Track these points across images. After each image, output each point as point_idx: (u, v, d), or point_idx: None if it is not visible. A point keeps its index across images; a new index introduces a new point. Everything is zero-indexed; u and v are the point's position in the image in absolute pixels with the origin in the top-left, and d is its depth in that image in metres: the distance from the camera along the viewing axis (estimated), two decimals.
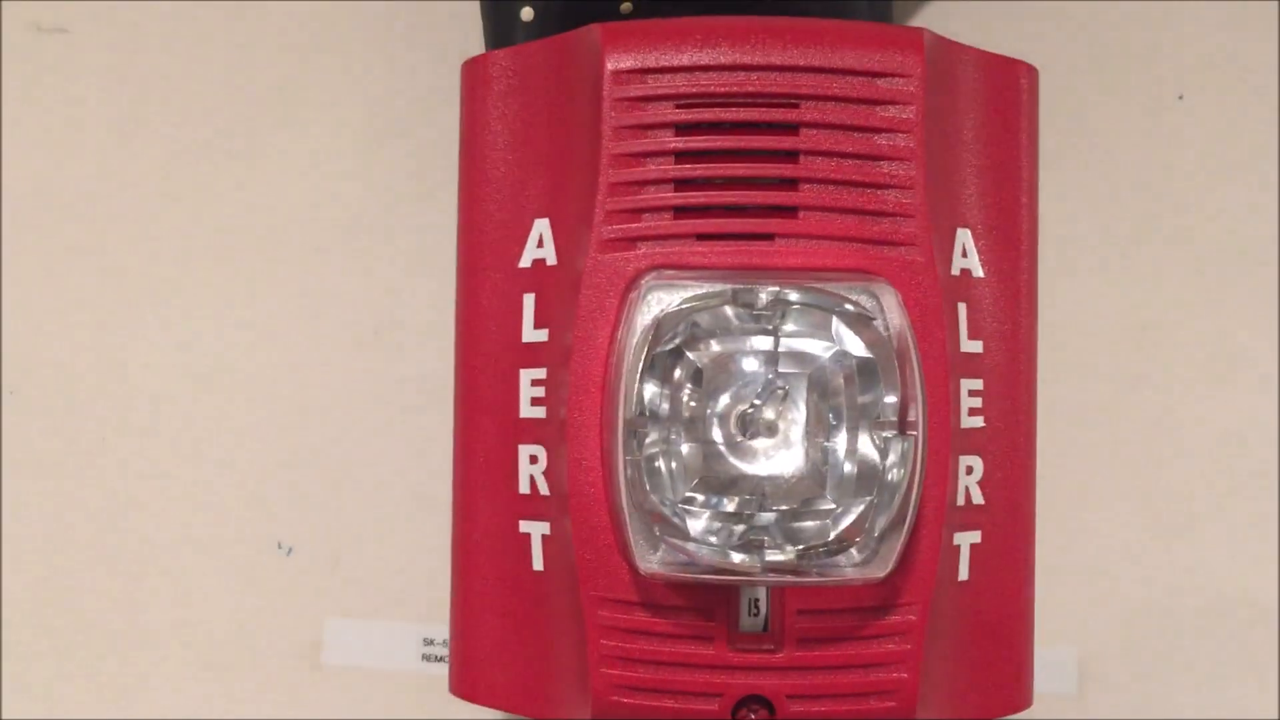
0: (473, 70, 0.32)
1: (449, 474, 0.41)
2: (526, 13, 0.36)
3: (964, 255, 0.31)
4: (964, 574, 0.31)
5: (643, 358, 0.27)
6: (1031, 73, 0.32)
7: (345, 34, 0.42)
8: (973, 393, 0.31)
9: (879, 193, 0.29)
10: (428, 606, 0.41)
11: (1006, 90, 0.32)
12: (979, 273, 0.31)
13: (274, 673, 0.41)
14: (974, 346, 0.31)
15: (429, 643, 0.41)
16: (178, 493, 0.42)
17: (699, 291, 0.28)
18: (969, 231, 0.31)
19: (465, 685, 0.32)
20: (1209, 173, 0.41)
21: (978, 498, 0.31)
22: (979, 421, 0.31)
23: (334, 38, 0.42)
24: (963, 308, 0.30)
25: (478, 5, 0.38)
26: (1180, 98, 0.42)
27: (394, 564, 0.41)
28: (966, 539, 0.31)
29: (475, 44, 0.40)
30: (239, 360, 0.42)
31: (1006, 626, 0.32)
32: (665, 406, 0.28)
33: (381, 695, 0.41)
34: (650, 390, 0.28)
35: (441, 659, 0.41)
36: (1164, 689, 0.41)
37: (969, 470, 0.31)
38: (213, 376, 0.42)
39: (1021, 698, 0.32)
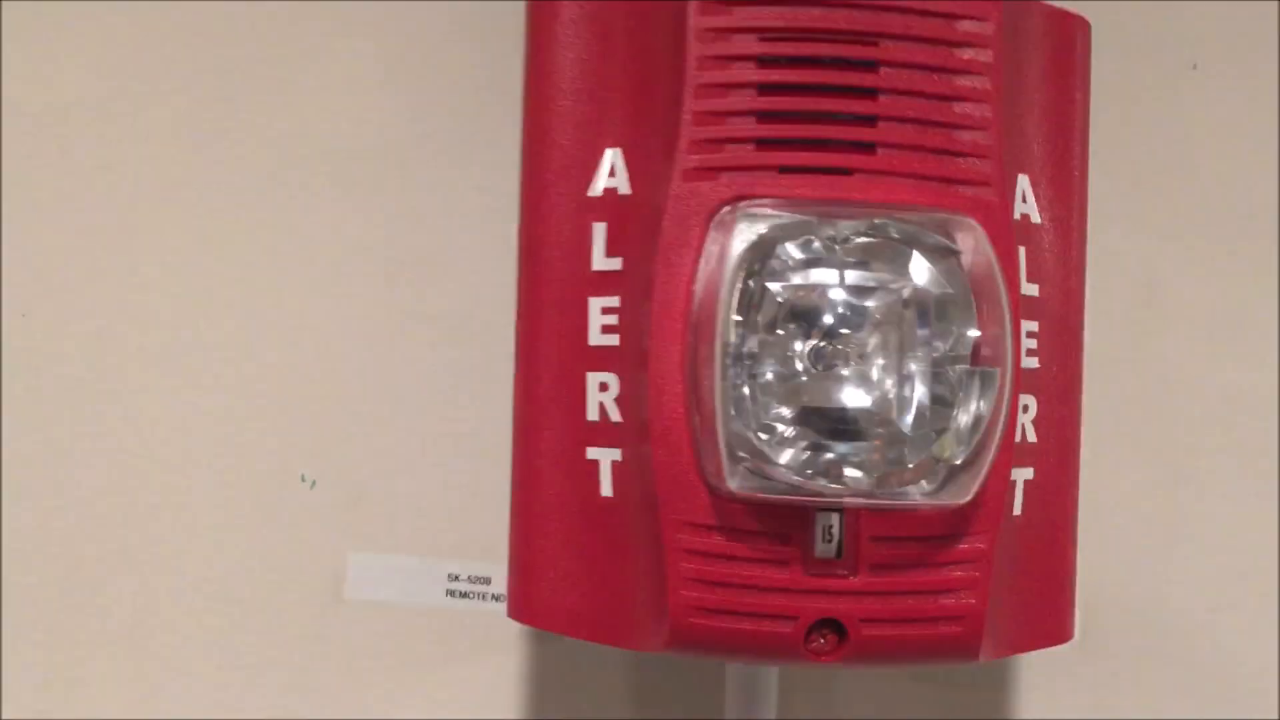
0: (540, 5, 0.32)
1: (475, 410, 0.41)
2: None
3: (1024, 200, 0.32)
4: (1018, 509, 0.32)
5: (735, 290, 0.28)
6: (1086, 26, 0.33)
7: None
8: (1029, 334, 0.32)
9: (956, 132, 0.30)
10: (452, 542, 0.41)
11: (1065, 42, 0.33)
12: (1036, 218, 0.32)
13: (296, 606, 0.41)
14: (1031, 290, 0.32)
15: (454, 578, 0.41)
16: (201, 424, 0.41)
17: (782, 222, 0.28)
18: (1028, 178, 0.32)
19: (526, 610, 0.32)
20: (1222, 140, 0.43)
21: (1032, 436, 0.32)
22: (1034, 362, 0.32)
23: None
24: (1022, 251, 0.31)
25: None
26: (1194, 67, 0.43)
27: (418, 499, 0.41)
28: (1021, 475, 0.32)
29: None
30: (266, 295, 0.41)
31: (1054, 562, 0.33)
32: (750, 337, 0.28)
33: (404, 630, 0.41)
34: (736, 319, 0.28)
35: (466, 595, 0.41)
36: (1161, 639, 0.42)
37: (1025, 409, 0.32)
38: (239, 310, 0.41)
39: (1065, 630, 0.34)
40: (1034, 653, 0.35)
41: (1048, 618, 0.33)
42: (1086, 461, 0.41)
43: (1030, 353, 0.32)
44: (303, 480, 0.41)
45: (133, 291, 0.41)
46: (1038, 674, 0.43)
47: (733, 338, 0.28)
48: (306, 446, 0.41)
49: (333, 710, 0.41)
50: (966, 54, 0.30)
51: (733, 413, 0.28)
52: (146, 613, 0.41)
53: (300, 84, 0.41)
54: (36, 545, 0.41)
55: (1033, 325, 0.32)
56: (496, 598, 0.41)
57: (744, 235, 0.28)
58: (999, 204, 0.30)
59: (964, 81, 0.30)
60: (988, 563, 0.30)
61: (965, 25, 0.30)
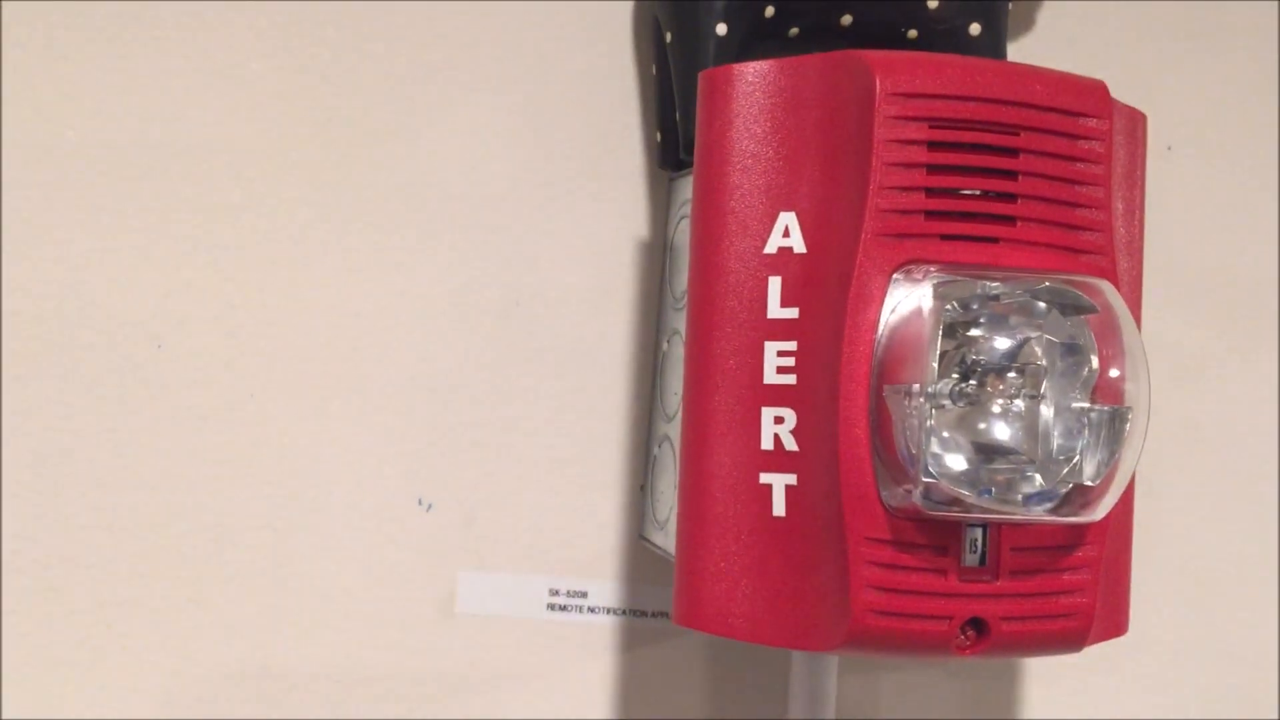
0: (715, 79, 0.36)
1: (575, 439, 0.45)
2: (721, 29, 0.40)
3: None
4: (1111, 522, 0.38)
5: (937, 340, 0.33)
6: (1145, 120, 0.40)
7: (503, 13, 0.45)
8: None
9: (1078, 210, 0.36)
10: (553, 559, 0.45)
11: (1135, 133, 0.39)
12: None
13: (411, 621, 0.44)
14: None
15: (554, 593, 0.45)
16: (327, 451, 0.43)
17: (961, 281, 0.34)
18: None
19: (695, 616, 0.36)
20: (1196, 219, 0.51)
21: None
22: None
23: (491, 16, 0.45)
24: None
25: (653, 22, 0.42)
26: (1169, 148, 0.51)
27: (524, 520, 0.45)
28: None
29: (623, 26, 0.44)
30: (390, 329, 0.44)
31: (1122, 564, 0.39)
32: (935, 378, 0.33)
33: (510, 641, 0.44)
34: (936, 367, 0.33)
35: (565, 608, 0.45)
36: (1131, 658, 0.49)
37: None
38: (364, 343, 0.44)
39: (1124, 623, 0.40)
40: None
41: (1115, 613, 0.39)
42: None
43: None
44: (420, 504, 0.44)
45: (266, 328, 0.43)
46: (1042, 665, 0.49)
47: (932, 381, 0.33)
48: (424, 473, 0.44)
49: (445, 715, 0.44)
50: (1087, 145, 0.36)
51: (917, 442, 0.33)
52: (274, 626, 0.43)
53: (428, 137, 0.44)
54: (147, 562, 0.42)
55: None
56: (592, 610, 0.45)
57: (928, 293, 0.33)
58: (1109, 269, 0.36)
59: (1084, 168, 0.36)
60: (1098, 567, 0.36)
61: (1085, 121, 0.36)
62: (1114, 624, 0.40)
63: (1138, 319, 0.40)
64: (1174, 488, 0.50)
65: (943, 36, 0.42)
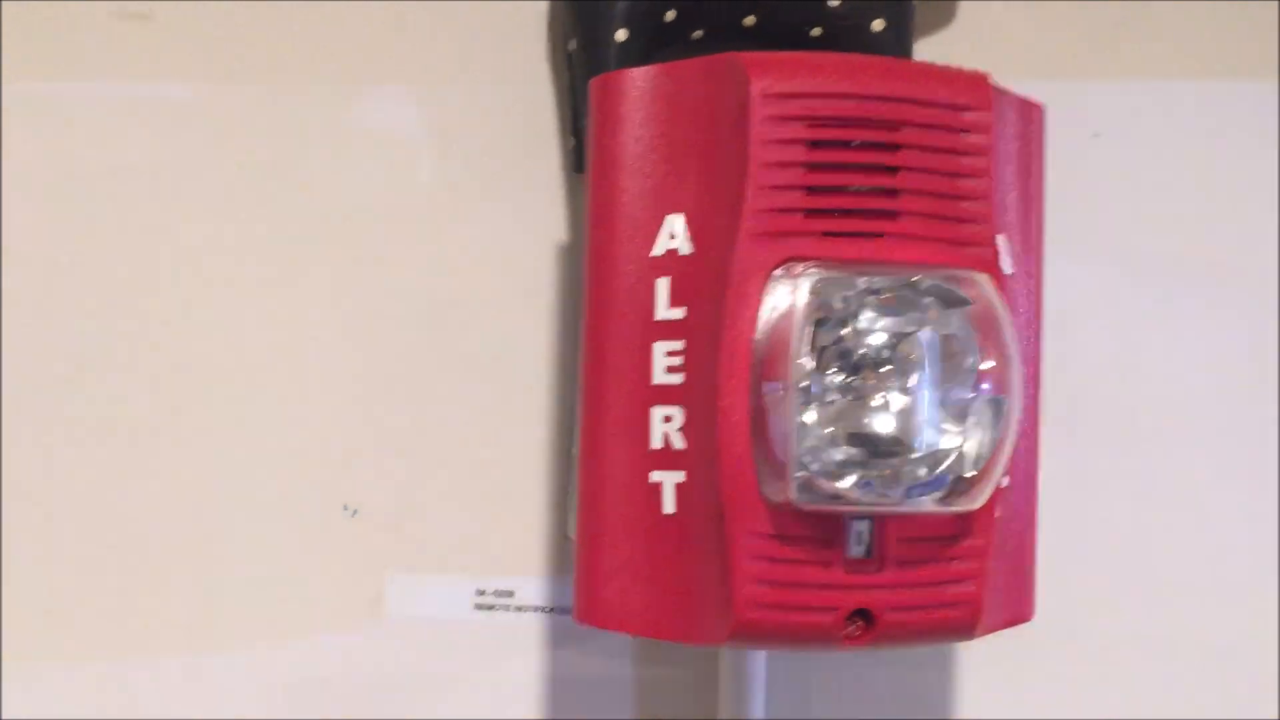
0: (606, 85, 0.37)
1: (499, 443, 0.46)
2: (621, 34, 0.41)
3: (1002, 256, 0.38)
4: (998, 511, 0.38)
5: (804, 336, 0.33)
6: (1042, 111, 0.40)
7: (421, 25, 0.46)
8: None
9: (960, 203, 0.36)
10: (480, 560, 0.46)
11: (1030, 123, 0.39)
12: (1009, 270, 0.39)
13: (340, 624, 0.45)
14: None
15: (481, 593, 0.46)
16: (253, 460, 0.45)
17: (836, 277, 0.34)
18: (1004, 237, 0.39)
19: (593, 614, 0.37)
20: (1122, 204, 0.51)
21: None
22: None
23: (409, 28, 0.46)
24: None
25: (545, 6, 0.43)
26: (1096, 135, 0.51)
27: (450, 523, 0.46)
28: (1001, 482, 0.38)
29: (538, 33, 0.45)
30: (311, 338, 0.45)
31: (1022, 554, 0.40)
32: (807, 372, 0.34)
33: (439, 642, 0.45)
34: (805, 363, 0.34)
35: (492, 607, 0.46)
36: (1074, 623, 0.49)
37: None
38: (286, 352, 0.45)
39: (1029, 610, 0.40)
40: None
41: (1017, 601, 0.39)
42: None
43: None
44: (345, 509, 0.45)
45: (189, 339, 0.44)
46: (975, 654, 0.49)
47: (802, 376, 0.33)
48: (350, 479, 0.45)
49: (376, 717, 0.45)
50: (969, 138, 0.36)
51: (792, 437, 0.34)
52: (202, 631, 0.44)
53: (344, 146, 0.45)
54: (72, 573, 0.43)
55: None
56: (519, 608, 0.46)
57: (805, 289, 0.34)
58: (992, 260, 0.36)
59: (966, 161, 0.36)
60: (986, 557, 0.36)
61: (967, 115, 0.36)
62: (1016, 612, 0.40)
63: (1038, 308, 0.40)
64: (1112, 478, 0.50)
65: (846, 33, 0.43)
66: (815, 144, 0.35)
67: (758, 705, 0.44)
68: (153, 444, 0.44)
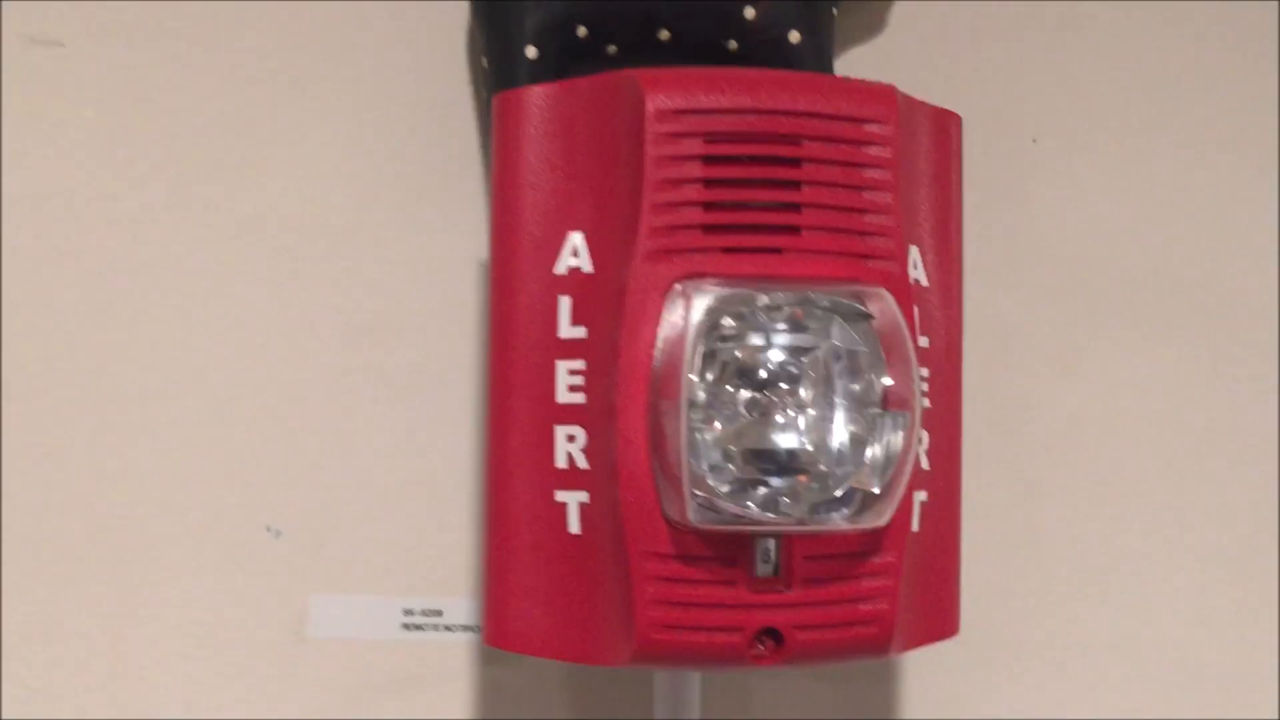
0: (507, 102, 0.37)
1: (423, 461, 0.45)
2: (531, 51, 0.40)
3: (915, 268, 0.38)
4: (916, 526, 0.38)
5: (696, 352, 0.33)
6: (958, 121, 0.40)
7: (340, 43, 0.46)
8: (923, 379, 0.38)
9: (865, 216, 0.35)
10: (406, 579, 0.45)
11: (944, 134, 0.39)
12: (925, 282, 0.38)
13: (262, 647, 0.44)
14: (923, 342, 0.38)
15: (409, 613, 0.45)
16: (172, 482, 0.44)
17: (731, 294, 0.34)
18: (918, 248, 0.38)
19: (501, 636, 0.36)
20: (1064, 211, 0.50)
21: (925, 464, 0.38)
22: (927, 403, 0.38)
23: (328, 47, 0.46)
24: (916, 310, 0.37)
25: (466, 12, 0.43)
26: (1034, 140, 0.50)
27: (375, 542, 0.45)
28: (919, 497, 0.38)
29: (458, 51, 0.44)
30: (232, 355, 0.45)
31: (943, 569, 0.39)
32: (704, 391, 0.33)
33: (364, 664, 0.45)
34: (695, 379, 0.33)
35: (420, 627, 0.45)
36: (1026, 628, 0.49)
37: (920, 441, 0.38)
38: (207, 369, 0.45)
39: (953, 625, 0.40)
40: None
41: (939, 616, 0.39)
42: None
43: (924, 394, 0.38)
44: (268, 530, 0.44)
45: (108, 358, 0.44)
46: (922, 664, 0.49)
47: (694, 394, 0.33)
48: (272, 499, 0.45)
49: None
50: (872, 151, 0.36)
51: (690, 457, 0.33)
52: (120, 656, 0.44)
53: (266, 165, 0.45)
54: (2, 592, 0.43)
55: (924, 371, 0.38)
56: (448, 628, 0.45)
57: (699, 307, 0.34)
58: (899, 274, 0.36)
59: (870, 173, 0.36)
60: (897, 573, 0.36)
61: (870, 128, 0.36)
62: (938, 627, 0.39)
63: (957, 320, 0.40)
64: (1060, 485, 0.49)
65: (763, 47, 0.42)
66: (712, 160, 0.35)
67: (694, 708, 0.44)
68: (67, 466, 0.44)
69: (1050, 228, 0.50)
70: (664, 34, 0.42)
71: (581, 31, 0.41)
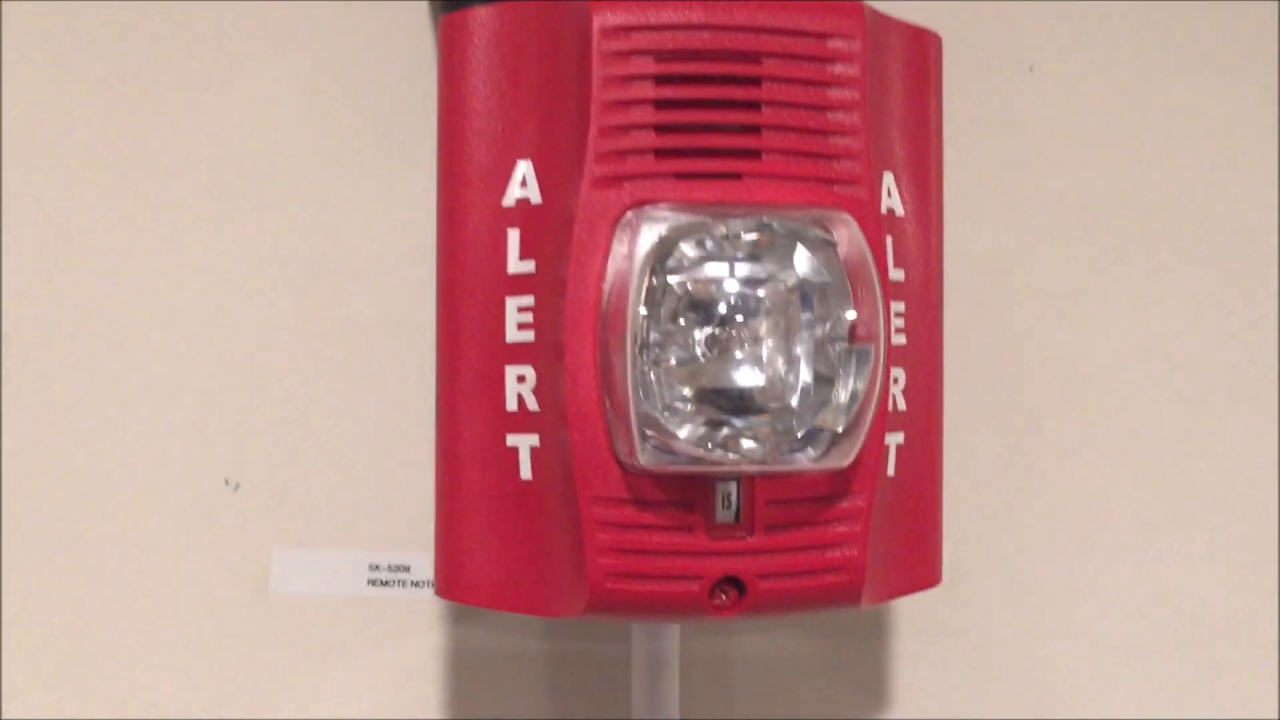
0: (452, 24, 0.35)
1: (390, 407, 0.44)
2: None
3: (889, 195, 0.36)
4: (891, 470, 0.36)
5: (642, 285, 0.31)
6: (938, 41, 0.38)
7: None
8: (898, 314, 0.36)
9: (829, 138, 0.33)
10: (372, 533, 0.44)
11: (921, 55, 0.37)
12: (900, 211, 0.36)
13: (223, 603, 0.43)
14: (898, 275, 0.36)
15: (375, 568, 0.44)
16: (125, 434, 0.43)
17: (680, 223, 0.32)
18: (892, 175, 0.36)
19: (453, 587, 0.35)
20: (1057, 135, 0.48)
21: (901, 404, 0.36)
22: (903, 339, 0.36)
23: None
24: (889, 240, 0.35)
25: None
26: (1031, 69, 0.48)
27: (339, 495, 0.44)
28: (894, 440, 0.36)
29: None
30: (185, 302, 0.43)
31: (923, 515, 0.37)
32: (655, 327, 0.31)
33: (329, 620, 0.43)
34: (644, 312, 0.31)
35: (387, 583, 0.44)
36: (1026, 581, 0.47)
37: (895, 380, 0.36)
38: (159, 318, 0.43)
39: (934, 575, 0.38)
40: (910, 597, 0.39)
41: (919, 565, 0.37)
42: (951, 424, 0.45)
43: (899, 330, 0.36)
44: (227, 484, 0.43)
45: (54, 306, 0.43)
46: (914, 616, 0.47)
47: (641, 328, 0.31)
48: (230, 452, 0.43)
49: (264, 700, 0.43)
50: (837, 69, 0.33)
51: (641, 395, 0.31)
52: (81, 613, 0.42)
53: (215, 103, 0.43)
54: None
55: (900, 306, 0.36)
56: (416, 584, 0.44)
57: (647, 236, 0.32)
58: (869, 200, 0.34)
59: (835, 93, 0.33)
60: (866, 518, 0.34)
61: (835, 43, 0.33)
62: (918, 576, 0.37)
63: (937, 251, 0.38)
64: (1058, 429, 0.47)
65: None
66: (664, 79, 0.33)
67: (671, 674, 0.42)
68: (20, 419, 0.42)
69: (1047, 159, 0.47)
70: None
71: None
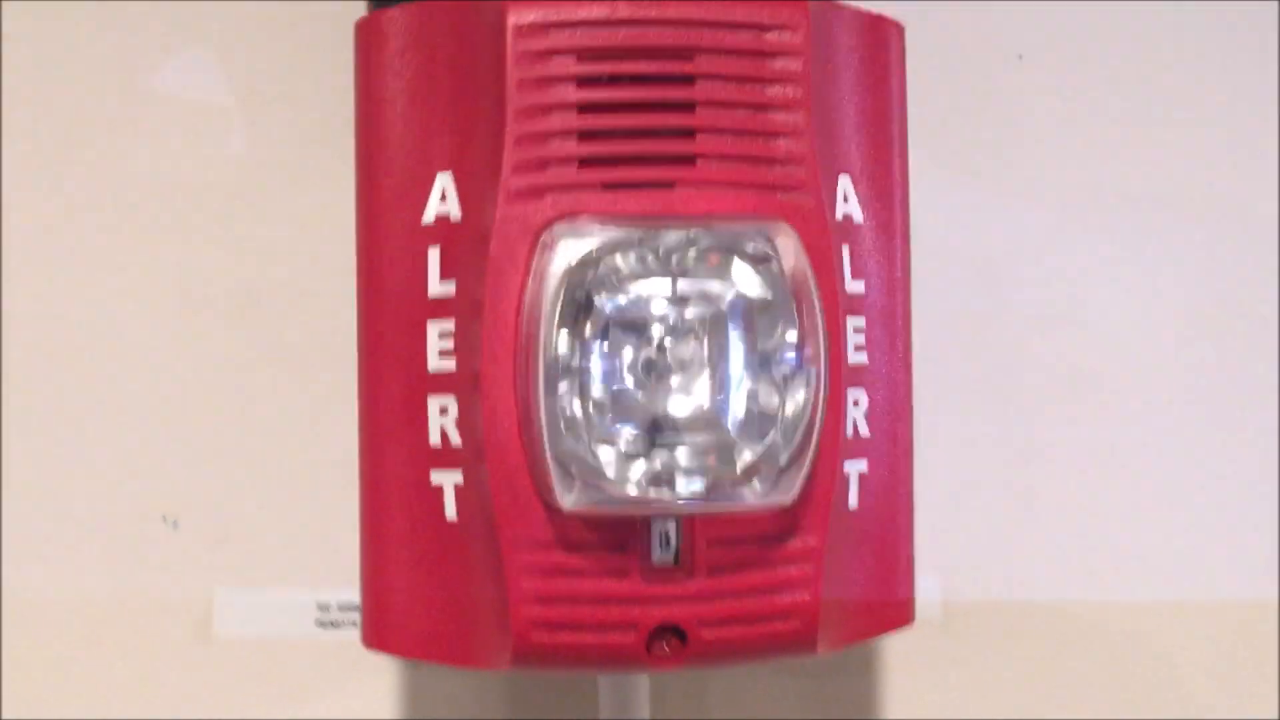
0: (367, 29, 0.32)
1: (336, 438, 0.41)
2: None
3: (845, 200, 0.33)
4: (853, 502, 0.33)
5: (557, 306, 0.28)
6: (899, 29, 0.34)
7: None
8: (857, 330, 0.33)
9: (771, 140, 0.30)
10: (321, 572, 0.41)
11: (879, 46, 0.34)
12: (858, 218, 0.33)
13: (165, 646, 0.41)
14: (857, 287, 0.33)
15: (324, 608, 0.41)
16: (58, 470, 0.41)
17: (605, 238, 0.29)
18: (849, 178, 0.33)
19: (379, 637, 0.32)
20: (1046, 126, 0.44)
21: (864, 430, 0.33)
22: (863, 358, 0.33)
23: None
24: (845, 250, 0.32)
25: None
26: (1020, 57, 0.45)
27: (284, 531, 0.41)
28: (855, 468, 0.32)
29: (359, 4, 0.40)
30: (119, 332, 0.41)
31: (891, 550, 0.34)
32: (577, 352, 0.29)
33: (276, 663, 0.41)
34: (563, 337, 0.29)
35: (337, 624, 0.41)
36: (1021, 614, 0.44)
37: (855, 403, 0.32)
38: (93, 349, 0.41)
39: (906, 614, 0.34)
40: (901, 636, 0.36)
41: (889, 604, 0.34)
42: (939, 445, 0.42)
43: (858, 348, 0.33)
44: (165, 521, 0.41)
45: None
46: (904, 656, 0.44)
47: (558, 352, 0.28)
48: (166, 488, 0.41)
49: None
50: (778, 64, 0.30)
51: (562, 429, 0.29)
52: (17, 658, 0.40)
53: (143, 123, 0.41)
54: None
55: (859, 321, 0.33)
56: None
57: (565, 252, 0.29)
58: (815, 207, 0.31)
59: (776, 91, 0.31)
60: (819, 558, 0.31)
61: (775, 36, 0.30)
62: (887, 616, 0.34)
63: (902, 255, 0.34)
64: (1059, 439, 0.44)
65: None
66: (587, 80, 0.30)
67: (642, 706, 0.39)
68: None
69: (1042, 153, 0.44)
70: None
71: None
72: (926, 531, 0.43)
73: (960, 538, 0.43)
